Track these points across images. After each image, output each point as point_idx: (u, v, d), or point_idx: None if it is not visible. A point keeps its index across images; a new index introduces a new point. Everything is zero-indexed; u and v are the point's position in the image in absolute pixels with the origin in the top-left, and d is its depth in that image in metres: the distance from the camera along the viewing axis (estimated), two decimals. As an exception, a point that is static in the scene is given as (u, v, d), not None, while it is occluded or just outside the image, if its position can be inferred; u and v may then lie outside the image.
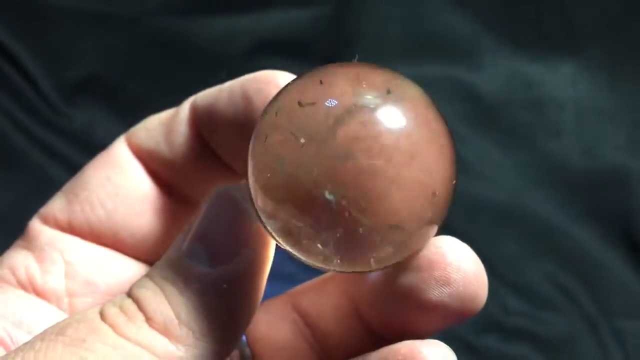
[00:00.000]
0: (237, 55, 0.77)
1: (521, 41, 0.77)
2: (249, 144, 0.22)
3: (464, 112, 0.74)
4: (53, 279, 0.27)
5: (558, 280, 0.68)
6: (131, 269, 0.28)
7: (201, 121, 0.27)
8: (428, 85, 0.22)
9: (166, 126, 0.27)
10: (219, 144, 0.27)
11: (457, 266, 0.23)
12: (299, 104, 0.21)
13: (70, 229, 0.27)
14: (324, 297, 0.27)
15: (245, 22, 0.78)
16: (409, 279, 0.23)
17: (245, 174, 0.22)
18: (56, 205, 0.28)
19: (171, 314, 0.22)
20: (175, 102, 0.28)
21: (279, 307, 0.28)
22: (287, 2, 0.78)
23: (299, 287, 0.28)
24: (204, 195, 0.25)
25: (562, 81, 0.76)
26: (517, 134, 0.75)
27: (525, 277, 0.69)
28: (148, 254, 0.28)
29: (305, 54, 0.76)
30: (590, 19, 0.77)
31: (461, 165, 0.70)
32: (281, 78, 0.25)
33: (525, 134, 0.75)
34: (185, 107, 0.27)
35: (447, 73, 0.76)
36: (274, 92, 0.22)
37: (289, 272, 0.40)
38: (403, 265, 0.23)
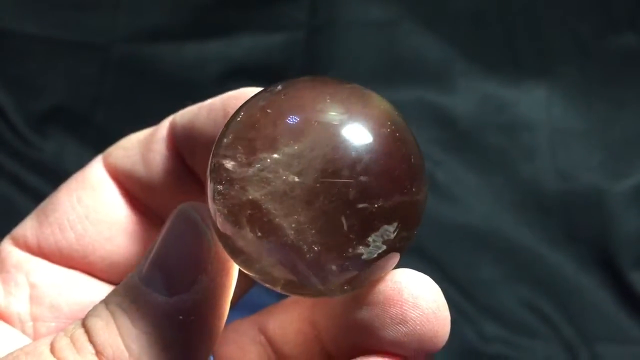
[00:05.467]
0: (208, 81, 0.77)
1: (493, 64, 0.77)
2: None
3: (437, 136, 0.74)
4: (17, 303, 0.26)
5: (535, 305, 0.68)
6: (101, 293, 0.27)
7: (180, 139, 0.26)
8: (401, 109, 0.21)
9: (144, 145, 0.27)
10: (198, 163, 0.26)
11: (413, 303, 0.21)
12: (259, 122, 0.20)
13: (40, 251, 0.27)
14: (289, 322, 0.26)
15: (216, 48, 0.77)
16: (364, 314, 0.22)
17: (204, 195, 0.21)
18: (27, 227, 0.27)
19: (121, 346, 0.21)
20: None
21: (247, 329, 0.27)
22: (258, 27, 0.78)
23: (267, 309, 0.28)
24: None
25: (535, 104, 0.76)
26: (491, 157, 0.74)
27: (502, 302, 0.68)
28: (120, 278, 0.27)
29: (277, 79, 0.76)
30: (561, 40, 0.77)
31: (435, 189, 0.69)
32: None
33: (499, 157, 0.75)
34: (164, 126, 0.26)
35: (420, 97, 0.76)
36: None
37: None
38: (365, 292, 0.22)
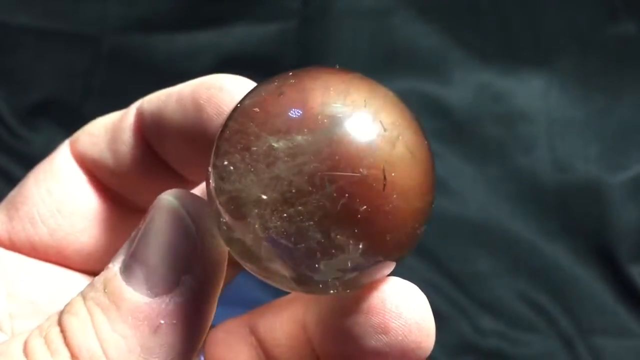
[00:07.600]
0: (200, 72, 0.75)
1: (490, 54, 0.76)
2: (199, 151, 0.20)
3: (433, 127, 0.73)
4: None
5: (532, 298, 0.67)
6: (79, 284, 0.26)
7: (148, 127, 0.25)
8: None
9: (111, 133, 0.25)
10: (168, 152, 0.25)
11: (396, 313, 0.21)
12: (263, 113, 0.19)
13: (12, 246, 0.26)
14: (279, 324, 0.26)
15: (208, 38, 0.76)
16: (349, 321, 0.21)
17: (204, 185, 0.20)
18: None
19: (98, 351, 0.19)
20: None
21: (238, 329, 0.26)
22: (251, 17, 0.77)
23: (259, 309, 0.27)
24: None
25: (532, 94, 0.75)
26: (487, 148, 0.74)
27: (499, 296, 0.67)
28: (97, 269, 0.25)
29: (271, 70, 0.74)
30: (558, 30, 0.76)
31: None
32: (234, 83, 0.23)
33: (496, 148, 0.74)
34: (131, 113, 0.25)
35: (416, 87, 0.75)
36: (227, 99, 0.21)
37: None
38: (354, 297, 0.21)
